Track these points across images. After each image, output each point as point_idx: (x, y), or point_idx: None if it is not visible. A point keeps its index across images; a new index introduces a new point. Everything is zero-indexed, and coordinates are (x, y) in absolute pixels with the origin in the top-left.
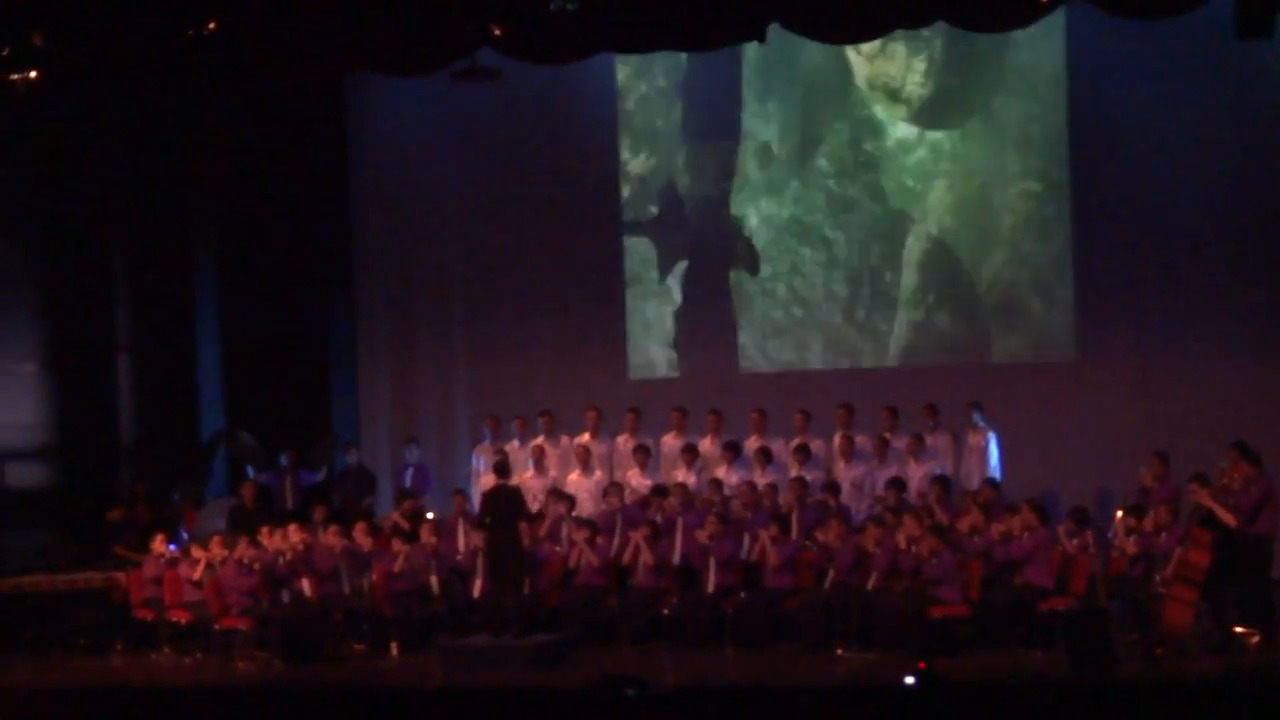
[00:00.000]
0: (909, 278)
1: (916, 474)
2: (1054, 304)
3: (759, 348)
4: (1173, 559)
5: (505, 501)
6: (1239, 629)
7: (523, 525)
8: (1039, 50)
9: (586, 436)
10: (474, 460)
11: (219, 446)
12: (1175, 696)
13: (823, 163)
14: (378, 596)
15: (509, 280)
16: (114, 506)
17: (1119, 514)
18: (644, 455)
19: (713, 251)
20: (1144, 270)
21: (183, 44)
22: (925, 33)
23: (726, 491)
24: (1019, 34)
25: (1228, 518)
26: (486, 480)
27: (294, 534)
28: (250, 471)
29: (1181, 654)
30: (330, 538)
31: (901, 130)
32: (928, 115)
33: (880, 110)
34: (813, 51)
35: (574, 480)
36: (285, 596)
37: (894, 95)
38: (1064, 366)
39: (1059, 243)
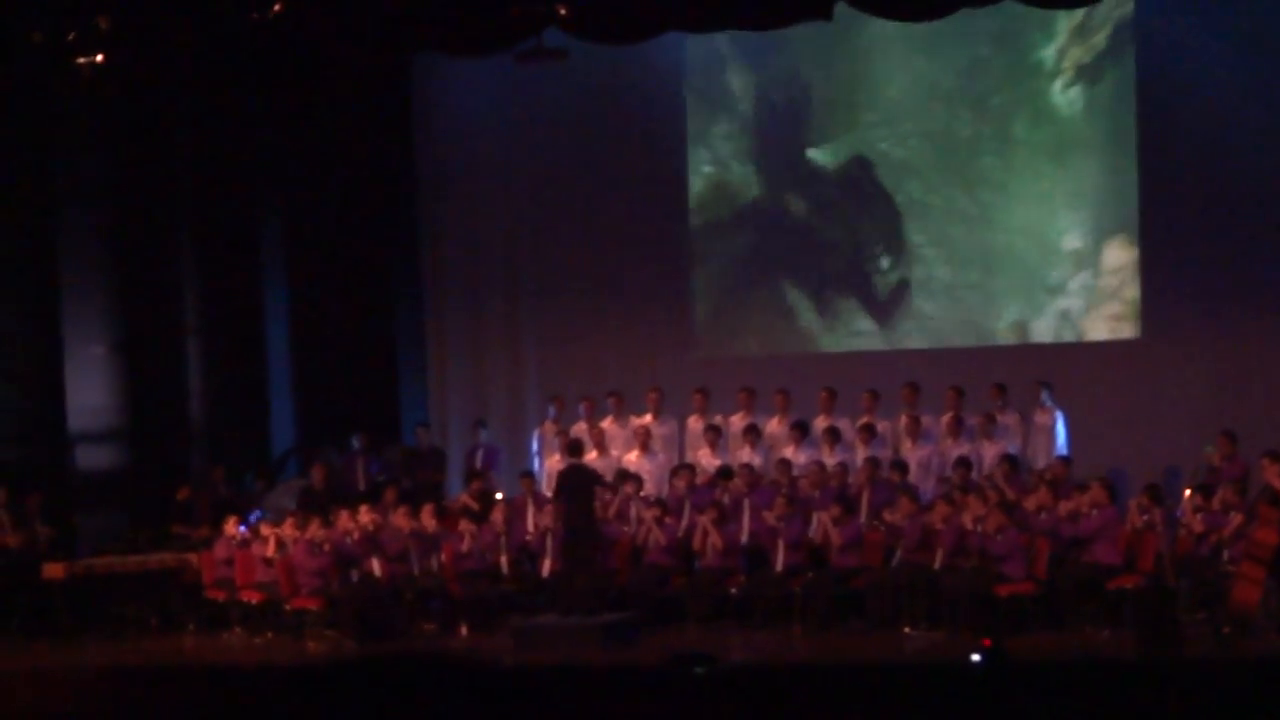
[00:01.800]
0: (974, 258)
1: (988, 453)
2: (1121, 281)
3: (827, 328)
4: (1241, 537)
5: (580, 480)
6: None
7: (601, 497)
8: (1108, 27)
9: (648, 417)
10: (535, 440)
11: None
12: (1243, 675)
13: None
14: (447, 576)
15: (576, 261)
16: (182, 487)
17: (1187, 492)
18: (714, 435)
19: (779, 230)
20: (1212, 247)
21: (249, 27)
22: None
23: (795, 471)
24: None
25: None
26: (550, 461)
27: (364, 515)
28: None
29: (1249, 633)
30: (399, 519)
31: (961, 105)
32: (996, 92)
33: (941, 82)
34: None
35: (633, 461)
36: (355, 576)
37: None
38: (1131, 344)
39: (1127, 218)
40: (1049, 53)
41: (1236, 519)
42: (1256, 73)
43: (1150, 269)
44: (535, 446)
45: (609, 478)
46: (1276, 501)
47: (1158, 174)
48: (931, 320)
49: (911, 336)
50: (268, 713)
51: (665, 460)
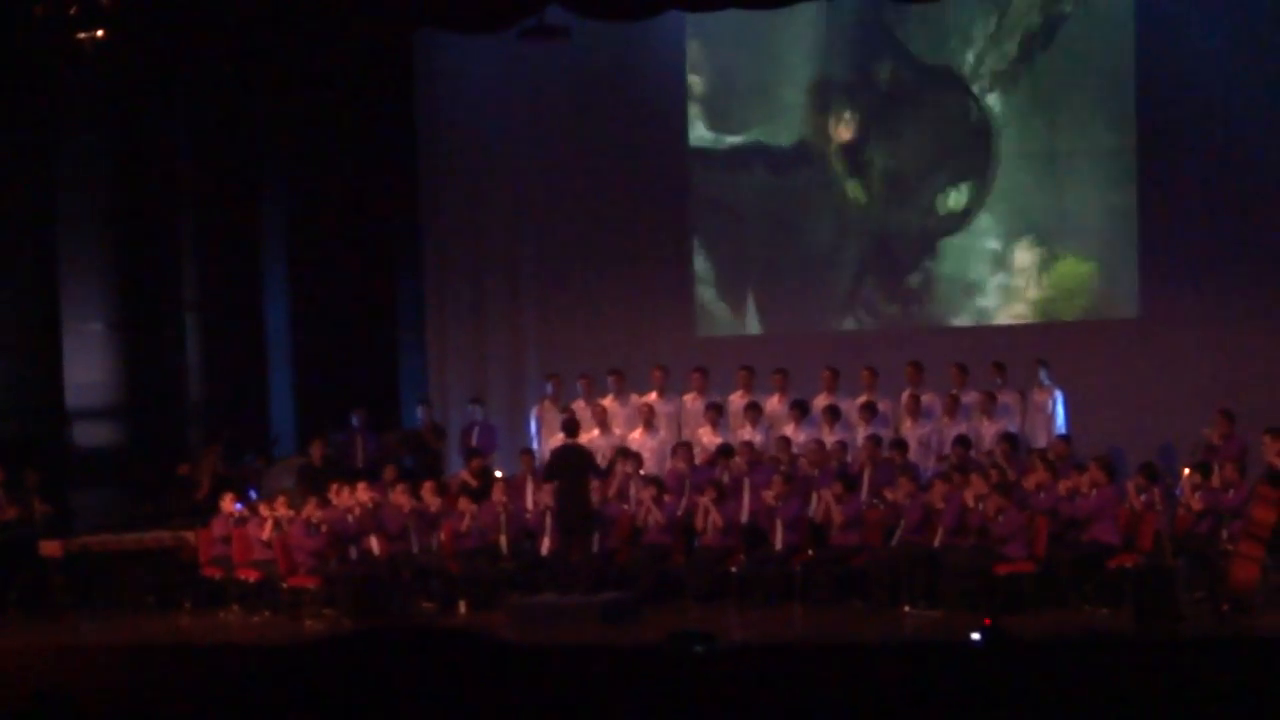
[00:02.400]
0: (973, 236)
1: (988, 431)
2: (1120, 260)
3: (825, 306)
4: (1240, 516)
5: (574, 459)
6: None
7: (593, 483)
8: (1108, 4)
9: (653, 395)
10: (531, 418)
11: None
12: (1241, 653)
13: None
14: (446, 555)
15: (577, 238)
16: (182, 463)
17: (1185, 471)
18: (715, 413)
19: (781, 210)
20: (1210, 226)
21: (251, 2)
22: None
23: (794, 450)
24: None
25: None
26: (547, 438)
27: (363, 493)
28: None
29: (1247, 611)
30: (399, 496)
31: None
32: (997, 72)
33: (950, 68)
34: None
35: (637, 439)
36: (353, 555)
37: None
38: (1129, 323)
39: (1125, 198)
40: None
41: (1235, 497)
42: (1254, 52)
43: (1148, 248)
44: (533, 425)
45: (609, 456)
46: (1276, 480)
47: (1156, 154)
48: (930, 300)
49: (913, 315)
50: (266, 689)
51: (668, 438)
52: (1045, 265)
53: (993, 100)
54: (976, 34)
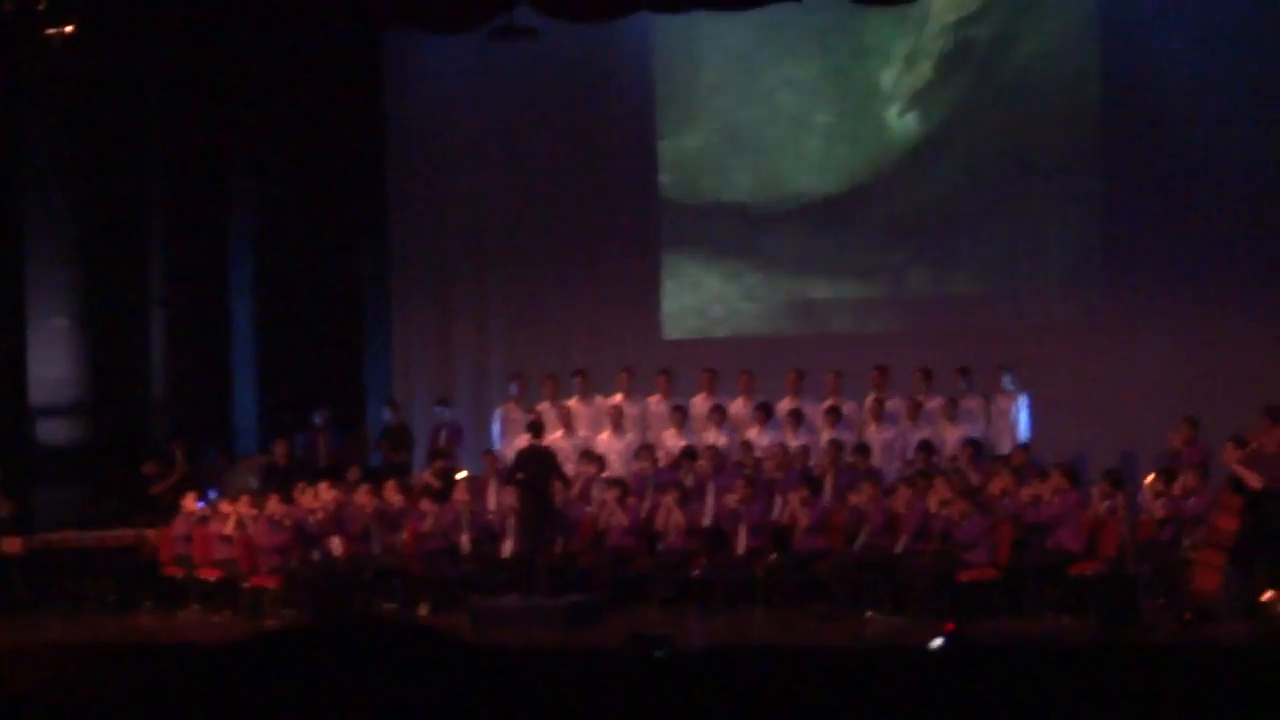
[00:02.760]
0: (939, 241)
1: (951, 436)
2: (1085, 266)
3: (790, 309)
4: (1202, 523)
5: (538, 461)
6: (1268, 594)
7: (556, 486)
8: (1073, 7)
9: (619, 397)
10: (495, 419)
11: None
12: (1202, 661)
13: (853, 124)
14: (408, 555)
15: (544, 239)
16: (149, 460)
17: (1148, 478)
18: (680, 415)
19: (743, 212)
20: (1175, 233)
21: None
22: None
23: (758, 453)
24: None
25: (1253, 480)
26: (512, 439)
27: (325, 492)
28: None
29: (1209, 619)
30: (362, 496)
31: (938, 85)
32: (960, 75)
33: (914, 70)
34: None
35: (605, 441)
36: (315, 555)
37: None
38: (1094, 329)
39: (1091, 203)
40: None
41: (1197, 504)
42: (1220, 56)
43: (1113, 255)
44: (497, 426)
45: (574, 457)
46: (1239, 489)
47: (1121, 162)
48: (896, 301)
49: (877, 318)
50: (218, 686)
51: (634, 440)
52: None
53: (935, 108)
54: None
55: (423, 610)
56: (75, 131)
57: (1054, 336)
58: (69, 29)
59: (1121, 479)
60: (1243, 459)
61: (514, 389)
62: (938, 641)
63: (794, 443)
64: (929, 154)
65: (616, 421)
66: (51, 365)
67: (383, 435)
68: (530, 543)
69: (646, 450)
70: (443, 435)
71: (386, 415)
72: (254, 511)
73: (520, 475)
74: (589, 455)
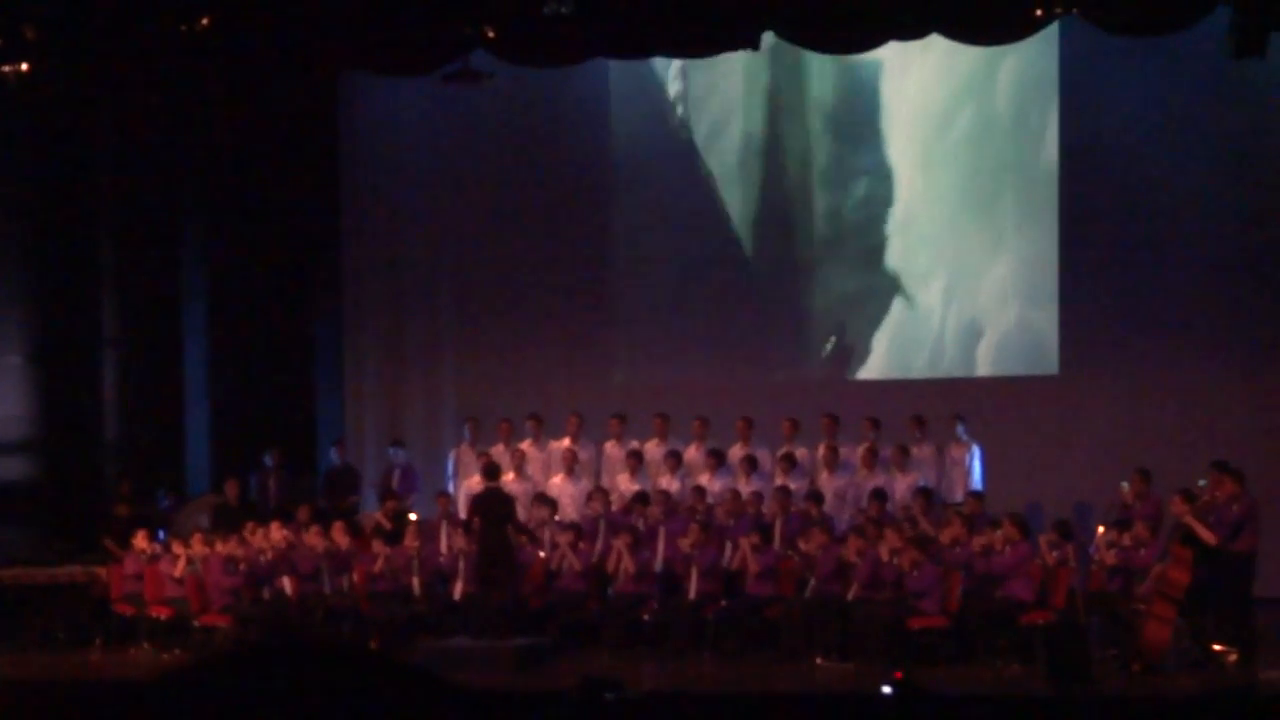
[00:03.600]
0: (894, 289)
1: (901, 485)
2: (1039, 318)
3: (746, 355)
4: (1152, 575)
5: (495, 505)
6: (1217, 647)
7: (511, 532)
8: (1031, 64)
9: (567, 441)
10: (451, 461)
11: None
12: (1151, 713)
13: (808, 171)
14: (359, 596)
15: (498, 283)
16: (118, 502)
17: (1100, 529)
18: (635, 461)
19: (701, 258)
20: (1128, 286)
21: (176, 39)
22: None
23: (710, 499)
24: (1012, 48)
25: (1208, 536)
26: (471, 482)
27: (276, 532)
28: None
29: (1159, 671)
30: (312, 537)
31: (891, 143)
32: (917, 125)
33: (870, 121)
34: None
35: (557, 484)
36: (266, 595)
37: (883, 107)
38: (1048, 381)
39: (1045, 256)
40: None
41: (1148, 556)
42: (1174, 118)
43: (1068, 307)
44: (450, 468)
45: (527, 500)
46: (1189, 541)
47: (1077, 214)
48: (852, 351)
49: (833, 367)
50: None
51: (588, 484)
52: (966, 321)
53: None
54: None
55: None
56: (27, 169)
57: (1007, 387)
58: (24, 66)
59: (1070, 529)
60: (1196, 513)
61: (467, 432)
62: (887, 689)
63: (746, 489)
64: (882, 204)
65: (569, 465)
66: (3, 403)
67: (326, 477)
68: (485, 586)
69: (600, 493)
70: (395, 476)
71: (332, 456)
72: (205, 551)
73: (477, 519)
74: (542, 499)
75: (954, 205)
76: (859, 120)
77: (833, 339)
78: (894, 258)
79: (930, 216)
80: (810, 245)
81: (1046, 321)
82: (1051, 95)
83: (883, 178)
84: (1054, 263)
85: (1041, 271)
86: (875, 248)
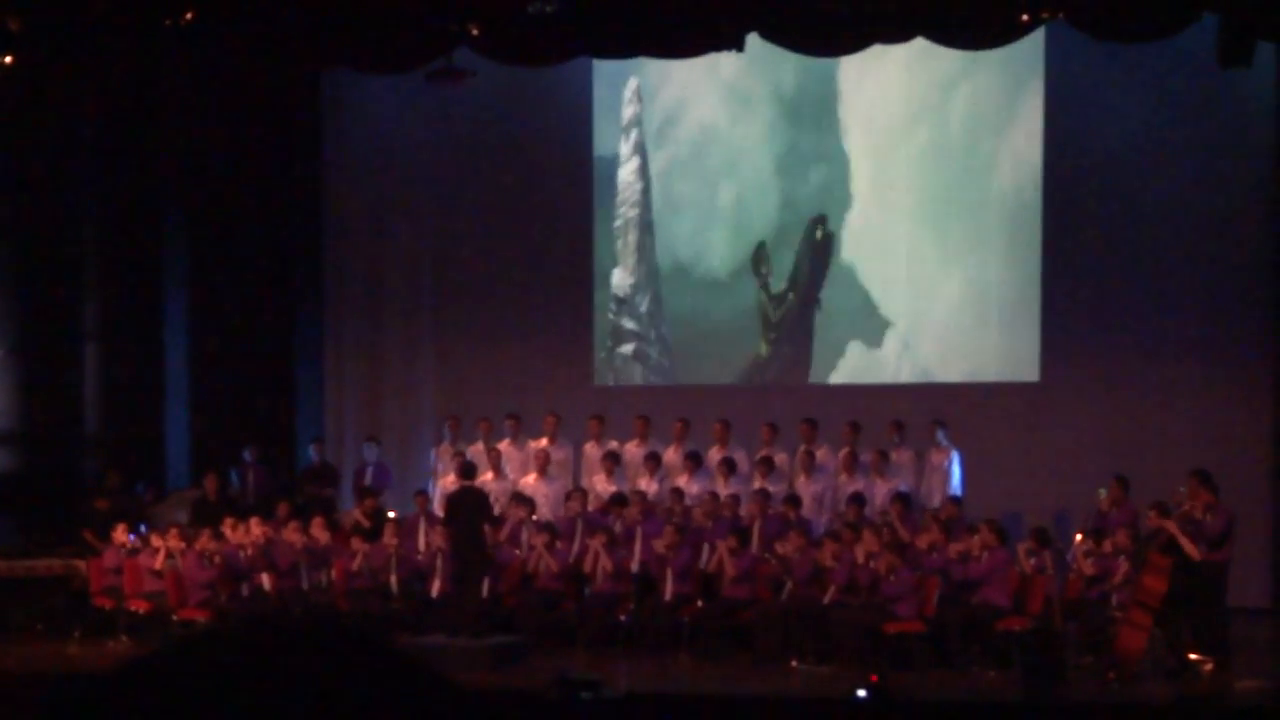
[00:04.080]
0: (874, 295)
1: (881, 490)
2: (1021, 325)
3: (724, 359)
4: (1129, 584)
5: (470, 503)
6: (1193, 656)
7: (489, 528)
8: (1016, 70)
9: (544, 441)
10: (432, 460)
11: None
12: None
13: (789, 177)
14: (336, 593)
15: (478, 281)
16: (98, 496)
17: (1078, 536)
18: (612, 462)
19: (683, 260)
20: (1109, 295)
21: (159, 35)
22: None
23: (688, 501)
24: (996, 53)
25: (1193, 550)
26: (446, 481)
27: (255, 528)
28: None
29: (1134, 679)
30: (291, 533)
31: (873, 145)
32: (901, 132)
33: (851, 124)
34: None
35: (530, 484)
36: (245, 590)
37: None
38: (1028, 388)
39: (1027, 264)
40: None
41: (1125, 564)
42: (1158, 123)
43: (1050, 316)
44: (437, 466)
45: (504, 500)
46: (1167, 550)
47: (1059, 222)
48: (832, 353)
49: (813, 370)
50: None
51: (562, 485)
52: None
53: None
54: None
55: None
56: (9, 164)
57: (987, 393)
58: (7, 59)
59: (1048, 536)
60: (1179, 525)
61: (448, 431)
62: (862, 693)
63: (724, 492)
64: (868, 209)
65: (543, 466)
66: None
67: (305, 473)
68: (460, 584)
69: (578, 493)
70: (368, 473)
71: (311, 453)
72: (183, 545)
73: (453, 517)
74: (520, 498)
75: (933, 210)
76: (832, 125)
77: (807, 341)
78: (868, 262)
79: (910, 221)
80: (788, 245)
81: (1028, 328)
82: (1035, 105)
83: (869, 178)
84: (1036, 268)
85: (1023, 277)
86: (854, 250)
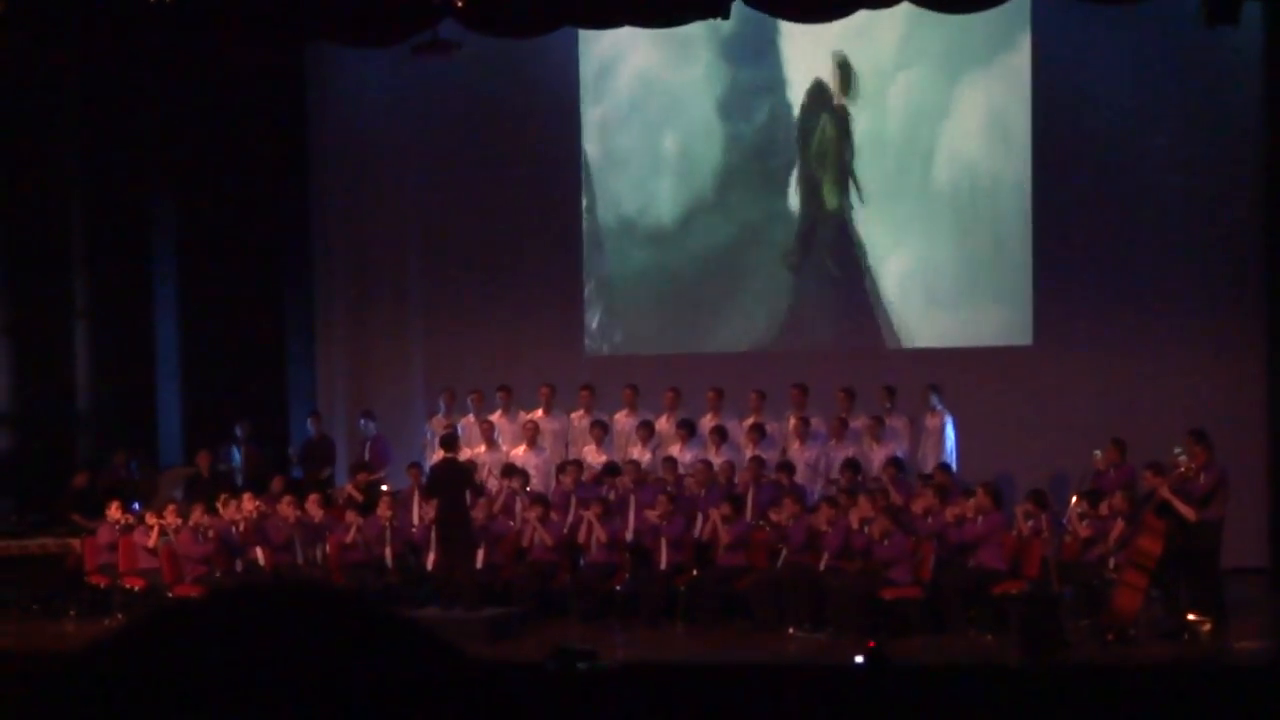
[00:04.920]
0: (866, 261)
1: (876, 456)
2: (1013, 288)
3: (713, 327)
4: (1125, 545)
5: (452, 475)
6: (1191, 616)
7: (471, 497)
8: (1004, 34)
9: (539, 412)
10: (427, 432)
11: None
12: (1125, 682)
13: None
14: (331, 567)
15: (468, 253)
16: (78, 472)
17: (1073, 499)
18: (600, 431)
19: (673, 230)
20: (1103, 256)
21: (143, 11)
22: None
23: (681, 470)
24: (984, 16)
25: (1188, 512)
26: (438, 454)
27: (248, 503)
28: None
29: (1132, 640)
30: (285, 508)
31: (865, 112)
32: (890, 97)
33: (841, 91)
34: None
35: (521, 455)
36: (239, 566)
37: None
38: (1022, 351)
39: (1019, 227)
40: None
41: (1121, 526)
42: (1151, 90)
43: (1042, 277)
44: (431, 438)
45: (497, 472)
46: (1163, 511)
47: (1050, 183)
48: (821, 321)
49: (805, 337)
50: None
51: (553, 456)
52: (939, 292)
53: (867, 127)
54: None
55: None
56: None
57: (980, 357)
58: None
59: (1045, 499)
60: (1173, 487)
61: (442, 404)
62: (859, 659)
63: (717, 459)
64: (857, 164)
65: (532, 438)
66: None
67: (303, 448)
68: (448, 557)
69: (572, 465)
70: (367, 449)
71: (309, 428)
72: (178, 522)
73: (435, 490)
74: (512, 469)
75: (924, 174)
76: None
77: (799, 307)
78: (860, 227)
79: (900, 185)
80: (782, 212)
81: (1020, 290)
82: (1024, 73)
83: (853, 145)
84: (1028, 230)
85: (1015, 240)
86: (843, 216)
